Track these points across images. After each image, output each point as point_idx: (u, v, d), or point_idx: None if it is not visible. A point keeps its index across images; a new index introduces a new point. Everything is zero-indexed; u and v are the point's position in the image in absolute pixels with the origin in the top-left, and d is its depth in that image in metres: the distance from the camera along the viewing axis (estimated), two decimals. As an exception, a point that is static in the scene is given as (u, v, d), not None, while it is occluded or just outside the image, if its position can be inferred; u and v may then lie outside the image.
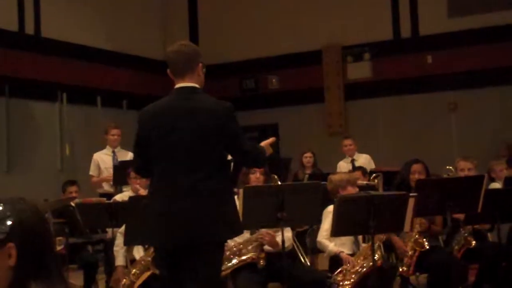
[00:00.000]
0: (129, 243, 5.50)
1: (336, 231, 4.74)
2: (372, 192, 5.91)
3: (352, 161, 9.40)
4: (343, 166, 9.38)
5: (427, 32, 11.68)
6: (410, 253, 5.55)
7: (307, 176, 8.97)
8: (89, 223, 6.18)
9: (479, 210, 5.14)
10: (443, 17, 11.51)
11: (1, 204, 1.91)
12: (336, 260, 5.30)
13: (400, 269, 5.59)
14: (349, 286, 5.06)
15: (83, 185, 7.68)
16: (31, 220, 1.93)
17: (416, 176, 5.92)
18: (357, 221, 4.59)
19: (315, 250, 5.84)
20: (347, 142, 9.60)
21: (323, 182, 5.47)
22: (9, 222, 1.88)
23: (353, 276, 5.10)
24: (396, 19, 12.02)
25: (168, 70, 4.00)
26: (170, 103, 3.95)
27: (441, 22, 11.49)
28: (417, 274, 6.19)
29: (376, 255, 5.02)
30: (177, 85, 3.98)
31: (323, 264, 5.85)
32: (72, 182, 7.61)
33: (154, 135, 3.87)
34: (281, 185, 5.56)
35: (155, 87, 11.98)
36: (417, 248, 5.51)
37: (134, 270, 5.46)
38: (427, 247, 5.48)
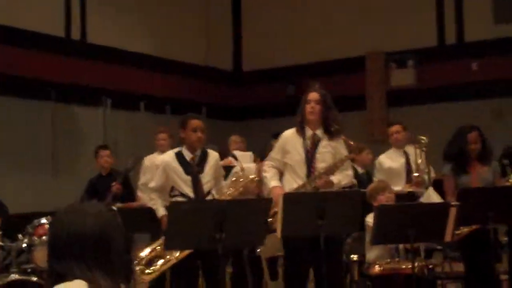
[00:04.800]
0: (170, 247, 5.53)
1: (376, 240, 4.71)
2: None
3: (405, 154, 7.47)
4: (387, 161, 7.53)
5: (473, 38, 11.52)
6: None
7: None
8: (129, 227, 6.25)
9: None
10: (489, 23, 11.33)
11: None
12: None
13: None
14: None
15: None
16: None
17: (473, 146, 5.60)
18: (397, 230, 4.55)
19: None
20: (395, 128, 7.65)
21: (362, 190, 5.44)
22: None
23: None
24: (441, 25, 11.88)
25: None
26: None
27: (487, 28, 11.32)
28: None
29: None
30: None
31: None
32: (105, 147, 8.08)
33: None
34: (322, 192, 5.52)
35: (198, 92, 12.09)
36: None
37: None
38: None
